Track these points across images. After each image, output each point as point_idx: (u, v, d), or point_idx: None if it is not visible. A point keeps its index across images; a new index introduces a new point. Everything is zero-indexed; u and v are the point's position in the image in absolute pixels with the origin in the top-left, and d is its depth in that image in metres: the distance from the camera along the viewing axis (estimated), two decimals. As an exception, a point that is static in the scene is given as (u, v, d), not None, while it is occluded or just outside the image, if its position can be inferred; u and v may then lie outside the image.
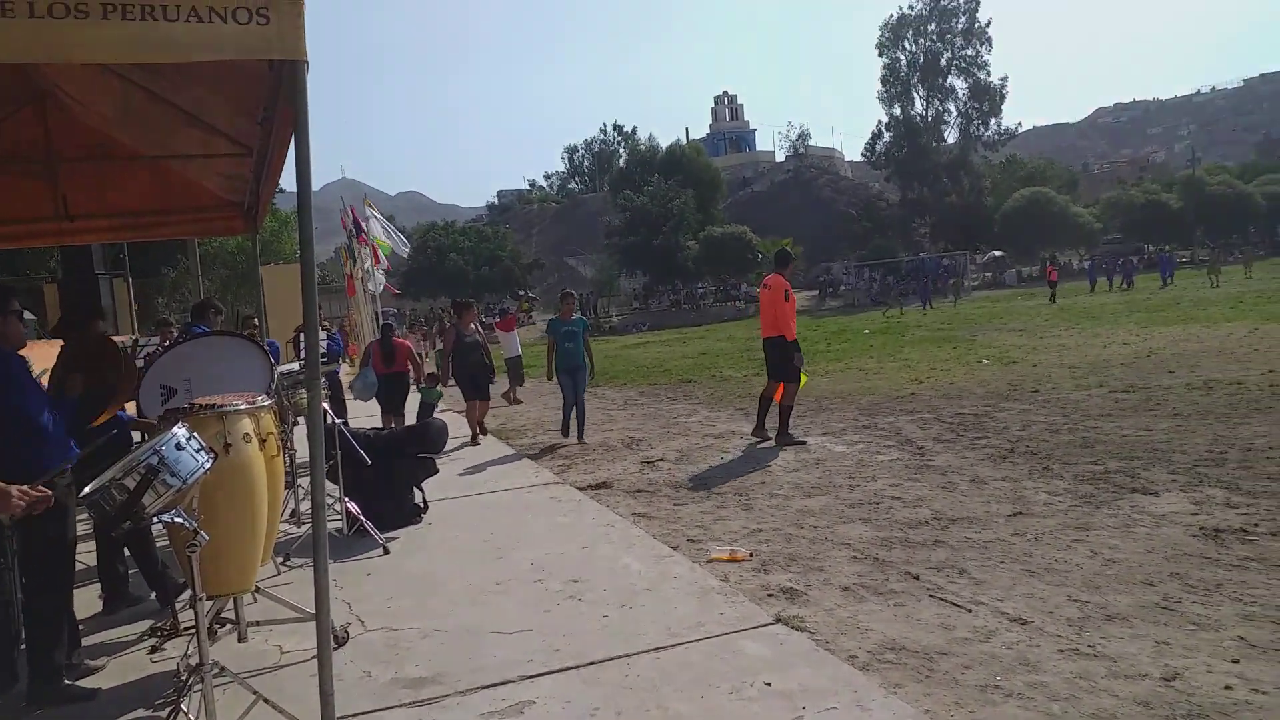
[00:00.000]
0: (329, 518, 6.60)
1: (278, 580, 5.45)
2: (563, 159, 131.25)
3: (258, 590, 4.38)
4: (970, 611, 4.28)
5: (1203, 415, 8.61)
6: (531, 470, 8.76)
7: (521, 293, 62.62)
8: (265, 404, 4.37)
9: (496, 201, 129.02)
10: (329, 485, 6.83)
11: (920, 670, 3.69)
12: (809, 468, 7.93)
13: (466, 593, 5.03)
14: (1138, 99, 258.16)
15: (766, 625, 4.22)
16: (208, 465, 3.49)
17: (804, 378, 9.66)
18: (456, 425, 11.10)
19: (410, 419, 10.14)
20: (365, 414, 11.77)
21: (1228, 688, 3.30)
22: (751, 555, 5.38)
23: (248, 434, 4.12)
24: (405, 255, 21.79)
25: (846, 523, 6.04)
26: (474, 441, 10.64)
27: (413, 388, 11.00)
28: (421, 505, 7.00)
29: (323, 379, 7.41)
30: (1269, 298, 23.65)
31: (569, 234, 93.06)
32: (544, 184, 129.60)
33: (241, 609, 4.32)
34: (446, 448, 9.61)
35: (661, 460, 8.77)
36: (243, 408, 4.16)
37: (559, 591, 4.90)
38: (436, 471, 7.31)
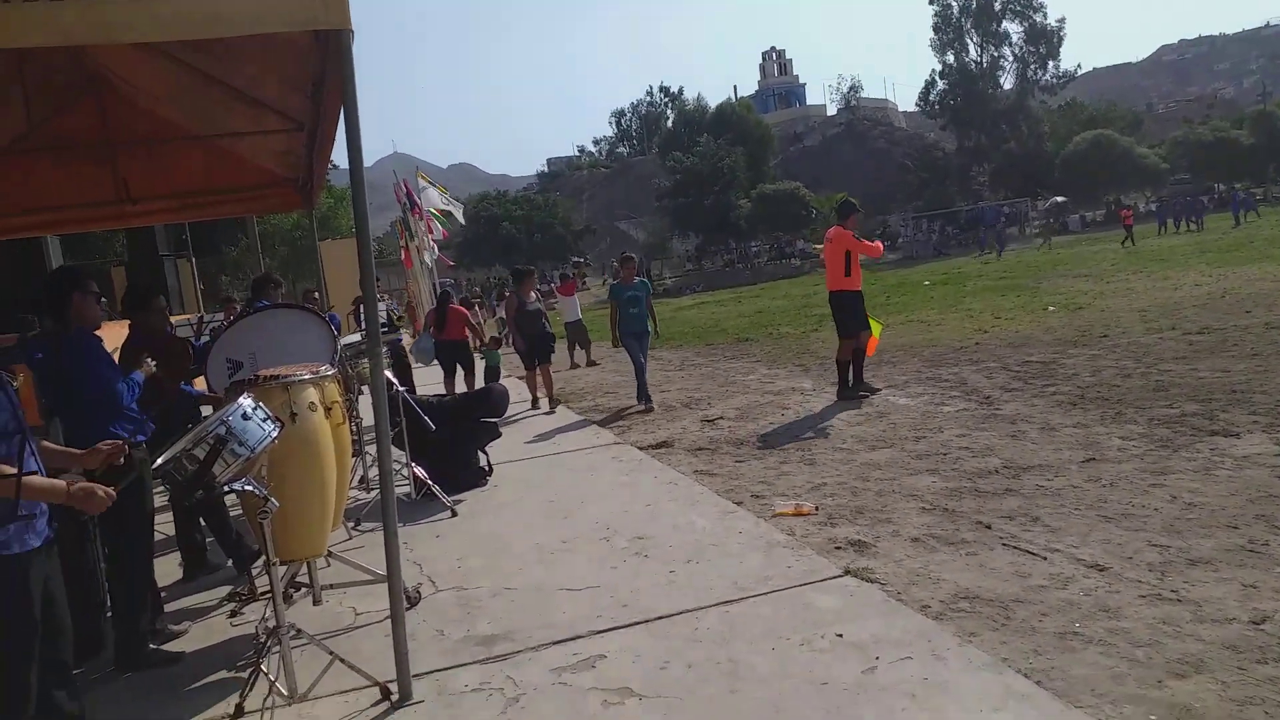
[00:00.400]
0: (397, 483, 6.72)
1: (349, 545, 5.55)
2: (610, 123, 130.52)
3: (330, 555, 4.46)
4: (1046, 559, 4.19)
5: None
6: (592, 432, 8.79)
7: (576, 259, 62.69)
8: (329, 373, 4.42)
9: (546, 169, 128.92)
10: (396, 451, 6.95)
11: (996, 619, 3.62)
12: (872, 421, 7.82)
13: (534, 552, 5.08)
14: (1203, 34, 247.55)
15: (836, 577, 4.18)
16: (275, 434, 3.55)
17: (877, 326, 9.43)
18: (519, 390, 11.19)
19: (480, 382, 10.32)
20: (433, 380, 11.92)
21: (1323, 630, 3.18)
22: (817, 509, 5.33)
23: (313, 403, 4.17)
24: (463, 222, 21.92)
25: (913, 474, 5.94)
26: (534, 405, 10.65)
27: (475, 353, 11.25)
28: (486, 468, 7.07)
29: (385, 348, 7.55)
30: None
31: (619, 198, 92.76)
32: (593, 149, 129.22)
33: (315, 573, 4.41)
34: (509, 413, 9.73)
35: (721, 418, 8.72)
36: (306, 377, 4.22)
37: (625, 549, 4.91)
38: (499, 435, 7.37)
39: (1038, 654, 3.29)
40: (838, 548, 4.63)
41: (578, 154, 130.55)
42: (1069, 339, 11.03)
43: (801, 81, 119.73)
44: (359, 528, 5.94)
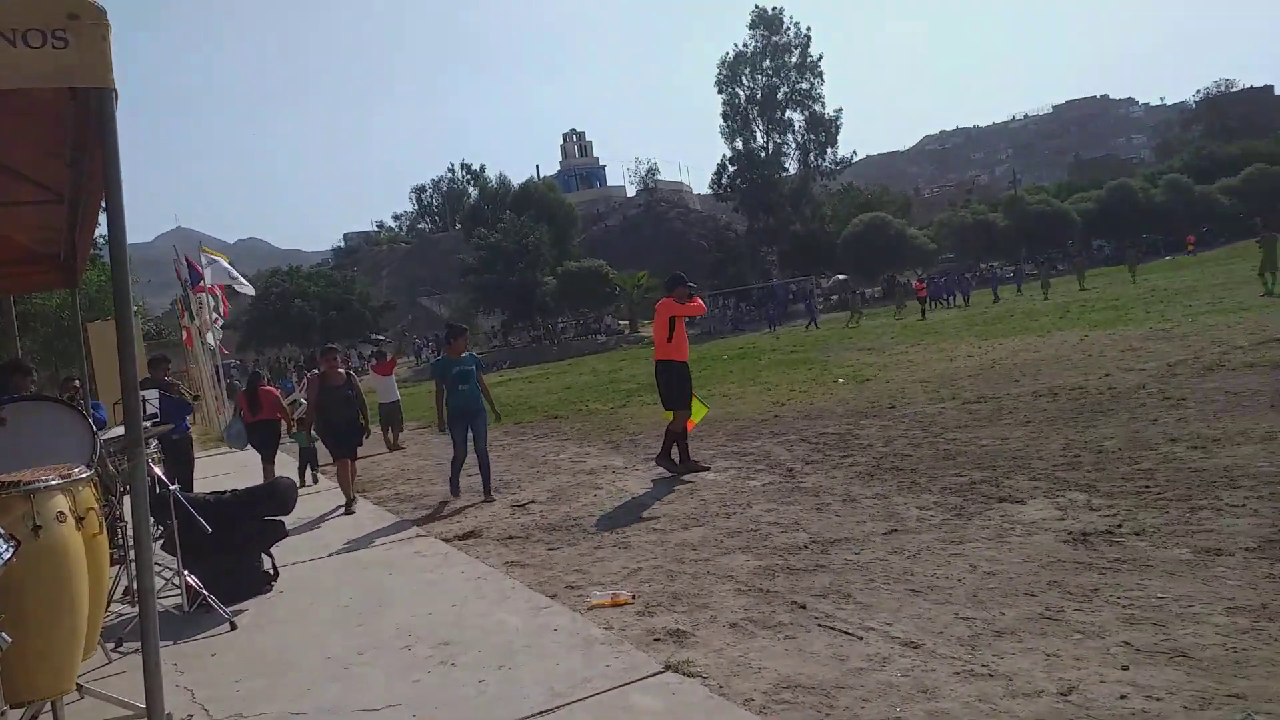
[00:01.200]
0: (167, 593, 6.00)
1: (108, 670, 4.84)
2: (411, 199, 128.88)
3: (80, 688, 3.84)
4: (861, 639, 4.16)
5: (1052, 421, 8.95)
6: (392, 524, 8.27)
7: (376, 336, 60.76)
8: (82, 476, 3.87)
9: (343, 244, 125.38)
10: (166, 557, 6.21)
11: (819, 708, 3.52)
12: (684, 498, 7.78)
13: (325, 668, 4.58)
14: (960, 126, 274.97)
15: (657, 674, 3.97)
16: (7, 555, 3.03)
17: (701, 410, 9.41)
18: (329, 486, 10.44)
19: (285, 469, 9.60)
20: (252, 464, 10.96)
21: (1123, 697, 3.26)
22: (634, 597, 5.14)
23: (61, 512, 3.62)
24: (252, 294, 20.83)
25: (727, 553, 5.88)
26: (349, 510, 9.17)
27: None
28: (271, 572, 6.44)
29: (153, 442, 6.80)
30: (1092, 306, 25.30)
31: (422, 274, 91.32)
32: (393, 225, 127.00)
33: (61, 712, 3.77)
34: (311, 514, 9.03)
35: (532, 502, 8.44)
36: (54, 483, 3.66)
37: (429, 657, 4.52)
38: (285, 534, 6.76)
39: (863, 744, 3.21)
40: (657, 639, 4.45)
41: (376, 229, 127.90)
42: (860, 410, 11.54)
43: (602, 163, 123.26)
44: (120, 648, 5.21)
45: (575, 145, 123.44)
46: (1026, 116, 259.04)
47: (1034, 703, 3.33)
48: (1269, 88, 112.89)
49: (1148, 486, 6.10)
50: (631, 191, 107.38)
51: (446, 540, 7.20)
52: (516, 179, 75.15)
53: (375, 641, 4.87)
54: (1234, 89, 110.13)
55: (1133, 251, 46.02)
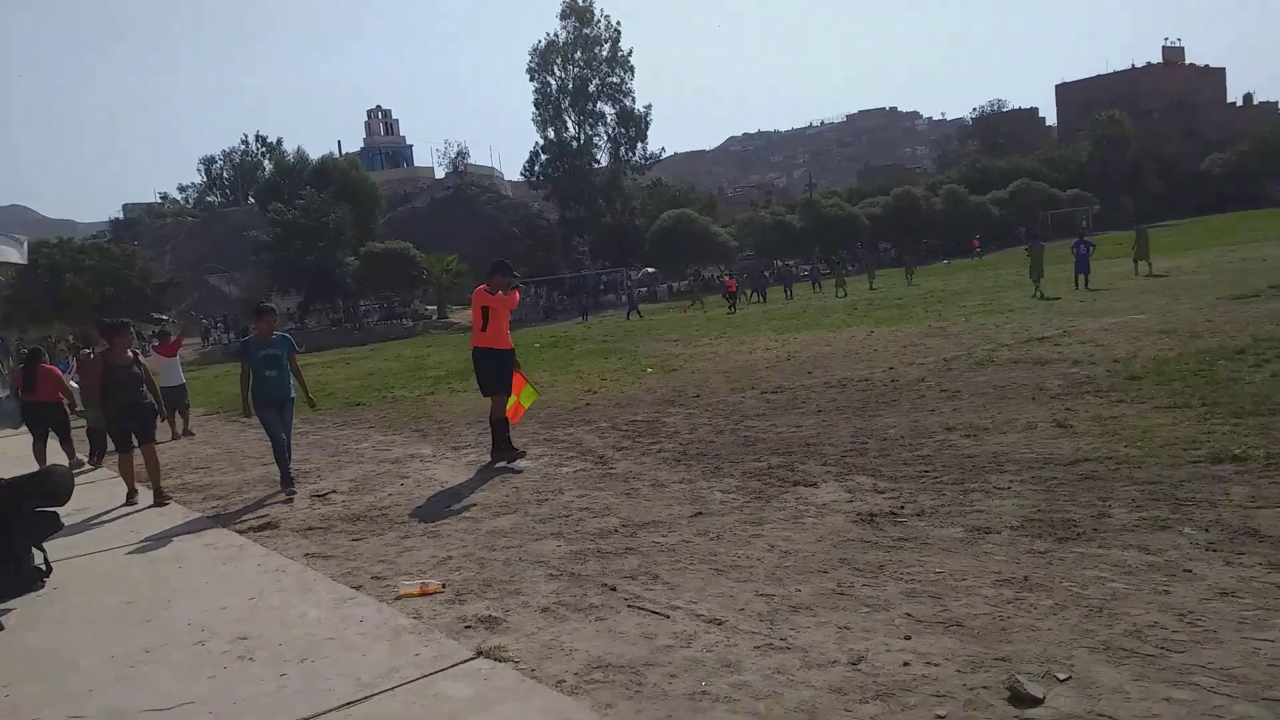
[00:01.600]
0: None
1: None
2: (199, 170, 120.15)
3: None
4: (668, 618, 4.31)
5: (842, 410, 9.53)
6: (180, 515, 7.78)
7: (158, 316, 56.53)
8: None
9: (122, 216, 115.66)
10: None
11: (629, 686, 3.63)
12: (495, 486, 7.75)
13: (109, 667, 4.27)
14: (762, 130, 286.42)
15: (468, 660, 3.96)
16: None
17: (531, 396, 9.33)
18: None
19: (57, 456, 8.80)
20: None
21: (905, 664, 3.55)
22: (444, 586, 5.08)
23: None
24: (21, 263, 19.03)
25: (539, 539, 5.92)
26: (130, 499, 8.52)
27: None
28: (44, 568, 5.91)
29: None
30: (879, 305, 27.05)
31: (210, 250, 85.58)
32: (178, 197, 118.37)
33: None
34: (92, 510, 8.31)
35: (334, 492, 8.16)
36: None
37: (225, 653, 4.30)
38: (61, 526, 6.22)
39: (671, 718, 3.33)
40: (468, 627, 4.43)
41: (160, 200, 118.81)
42: (667, 399, 11.85)
43: (409, 143, 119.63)
44: None
45: (381, 122, 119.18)
46: (822, 124, 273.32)
47: (827, 672, 3.56)
48: (1034, 109, 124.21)
49: (926, 471, 6.62)
50: (440, 174, 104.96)
51: (241, 532, 6.85)
52: (318, 153, 71.60)
53: (165, 638, 4.58)
54: (1004, 109, 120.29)
55: (909, 256, 49.57)
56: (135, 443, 8.57)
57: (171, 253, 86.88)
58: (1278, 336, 10.55)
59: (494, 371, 8.90)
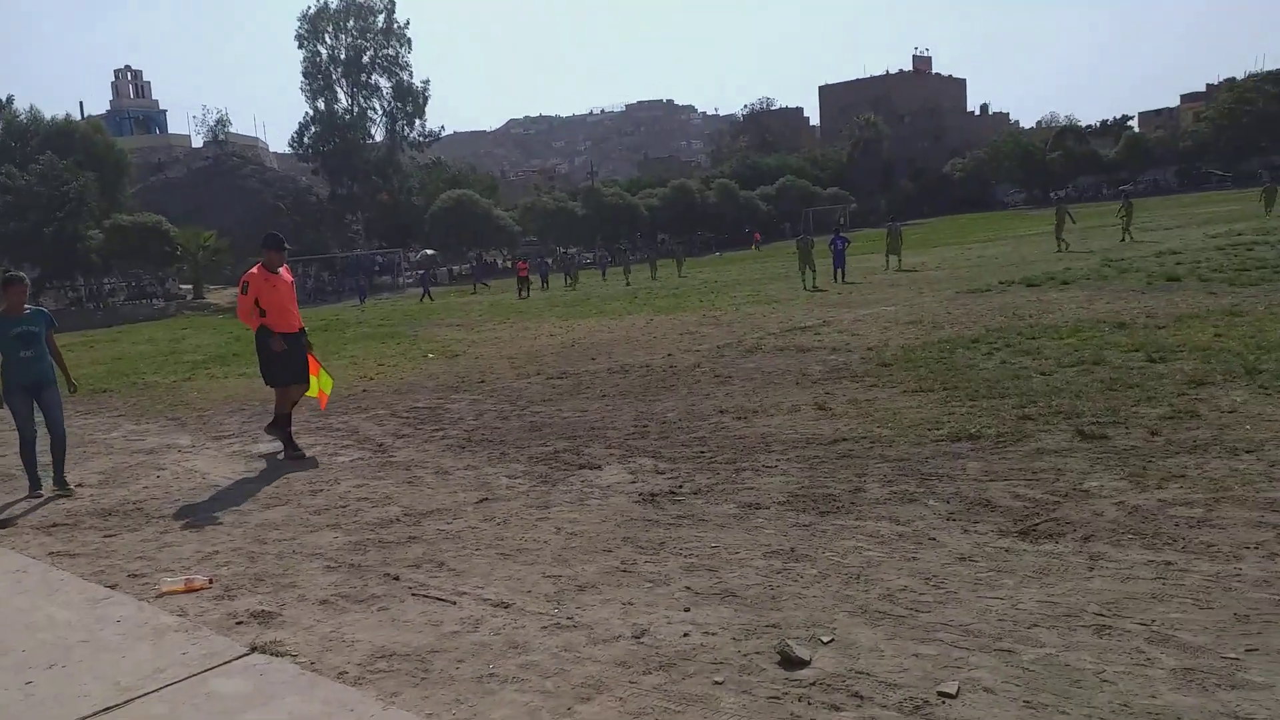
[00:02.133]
0: None
1: None
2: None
3: None
4: (455, 604, 4.29)
5: (624, 395, 9.78)
6: (-110, 516, 6.86)
7: None
8: None
9: None
10: None
11: (415, 674, 3.59)
12: (264, 477, 7.37)
13: None
14: (544, 114, 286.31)
15: (242, 656, 3.77)
16: None
17: (328, 382, 8.75)
18: None
19: None
20: None
21: (685, 635, 3.73)
22: (212, 581, 4.79)
23: None
24: None
25: (314, 531, 5.70)
26: None
27: None
28: None
29: None
30: (658, 294, 27.82)
31: (-81, 218, 75.30)
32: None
33: None
34: None
35: (81, 486, 7.46)
36: None
37: (-45, 666, 3.87)
38: None
39: (459, 703, 3.33)
40: (240, 623, 4.21)
41: None
42: (450, 385, 11.69)
43: (162, 108, 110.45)
44: None
45: (130, 84, 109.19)
46: (603, 112, 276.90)
47: (612, 647, 3.68)
48: (800, 109, 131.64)
49: (702, 452, 6.92)
50: (198, 143, 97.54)
51: (-32, 532, 6.14)
52: (55, 114, 64.43)
53: (-124, 655, 4.04)
54: (773, 107, 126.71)
55: (679, 248, 51.19)
56: None
57: None
58: (1005, 327, 11.81)
59: (283, 358, 8.13)
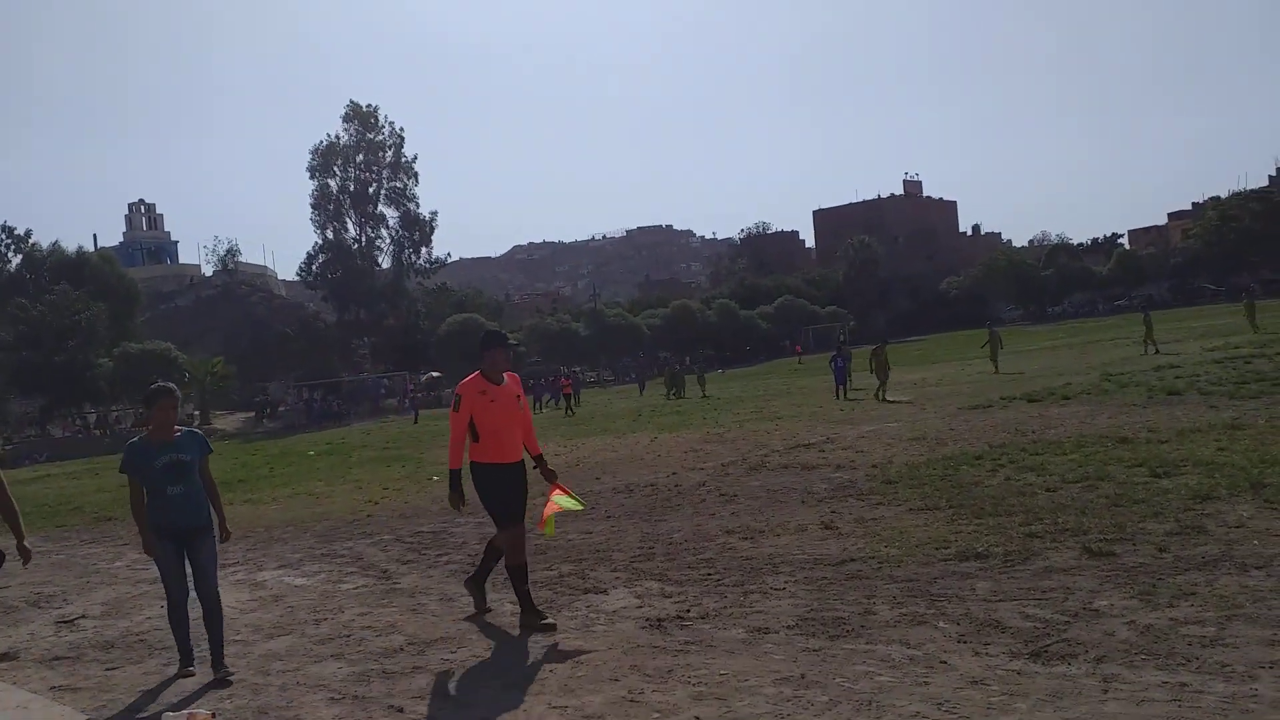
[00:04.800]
0: None
1: None
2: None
3: None
4: (461, 736, 4.22)
5: (629, 515, 9.75)
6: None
7: None
8: None
9: None
10: None
11: (421, 811, 3.51)
12: (268, 606, 7.31)
13: None
14: (547, 240, 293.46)
15: (244, 796, 3.70)
16: None
17: (573, 503, 6.68)
18: None
19: None
20: None
21: (695, 766, 3.67)
22: (214, 716, 4.73)
23: None
24: None
25: (318, 662, 5.63)
26: None
27: None
28: None
29: None
30: (660, 411, 27.92)
31: (-69, 349, 76.30)
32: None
33: None
34: None
35: (84, 618, 7.41)
36: None
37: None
38: None
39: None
40: (242, 759, 4.14)
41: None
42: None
43: (174, 238, 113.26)
44: None
45: (143, 216, 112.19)
46: (605, 237, 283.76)
47: (621, 780, 3.61)
48: (795, 232, 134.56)
49: (709, 574, 6.88)
50: (209, 271, 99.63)
51: (-33, 668, 6.06)
52: (72, 248, 66.04)
53: None
54: (769, 231, 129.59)
55: (697, 366, 51.23)
56: None
57: (-118, 349, 76.83)
58: (1009, 443, 11.84)
59: (508, 492, 6.34)
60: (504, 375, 6.33)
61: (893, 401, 21.25)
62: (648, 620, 5.83)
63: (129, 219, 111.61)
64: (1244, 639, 4.47)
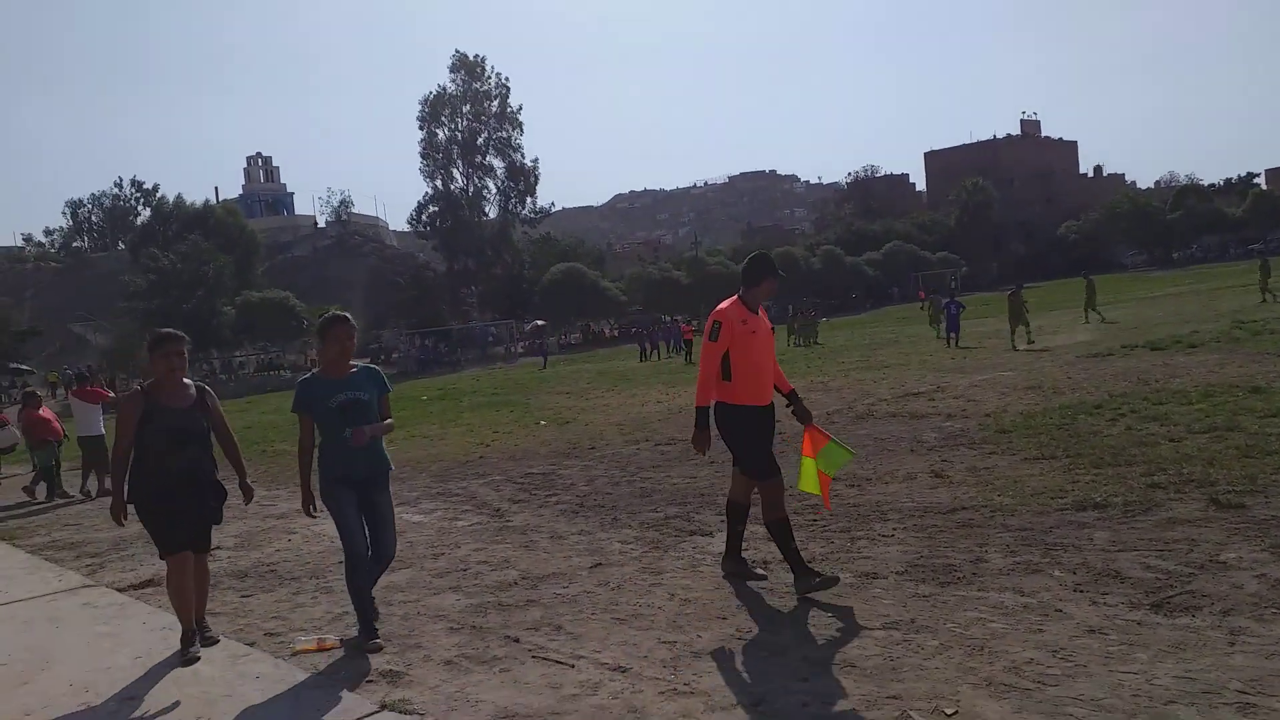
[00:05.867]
0: None
1: None
2: (64, 214, 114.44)
3: None
4: (573, 667, 4.37)
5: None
6: (53, 573, 7.38)
7: (17, 366, 53.32)
8: None
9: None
10: None
11: (538, 734, 3.67)
12: (388, 541, 7.63)
13: (-18, 735, 4.05)
14: (648, 188, 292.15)
15: (373, 714, 3.93)
16: None
17: (843, 453, 5.79)
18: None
19: None
20: None
21: (805, 704, 3.71)
22: (342, 642, 5.00)
23: None
24: None
25: (437, 594, 5.89)
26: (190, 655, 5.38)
27: None
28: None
29: None
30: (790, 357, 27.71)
31: (75, 298, 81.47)
32: (43, 241, 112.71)
33: None
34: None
35: (218, 548, 7.87)
36: None
37: (114, 713, 4.14)
38: None
39: (581, 764, 3.39)
40: (370, 680, 4.38)
41: (23, 245, 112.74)
42: (562, 451, 11.91)
43: (290, 190, 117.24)
44: None
45: (260, 169, 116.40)
46: (706, 184, 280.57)
47: (730, 715, 3.70)
48: (905, 175, 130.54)
49: (815, 520, 6.88)
50: (322, 222, 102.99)
51: (121, 590, 6.57)
52: (195, 199, 69.32)
53: (45, 701, 4.37)
54: (877, 174, 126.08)
55: (812, 317, 50.09)
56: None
57: (32, 299, 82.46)
58: (1129, 393, 11.38)
59: (768, 440, 5.75)
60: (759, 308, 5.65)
61: (1034, 348, 20.42)
62: (753, 563, 5.88)
63: (247, 172, 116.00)
64: (1388, 596, 4.24)
